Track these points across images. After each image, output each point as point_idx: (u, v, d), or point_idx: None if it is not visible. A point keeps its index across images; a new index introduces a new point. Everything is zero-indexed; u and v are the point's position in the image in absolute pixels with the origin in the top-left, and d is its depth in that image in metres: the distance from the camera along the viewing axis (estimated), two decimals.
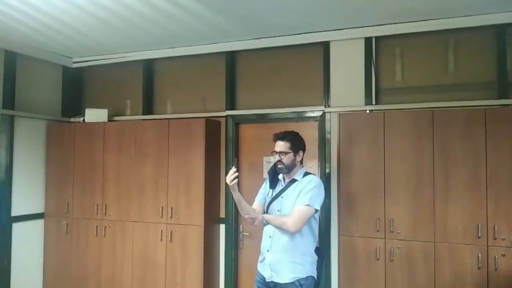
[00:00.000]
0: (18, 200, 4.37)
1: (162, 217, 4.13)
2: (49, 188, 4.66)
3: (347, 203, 3.51)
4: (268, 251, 2.77)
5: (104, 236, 4.36)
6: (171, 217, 4.10)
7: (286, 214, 2.71)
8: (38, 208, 4.62)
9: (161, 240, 4.13)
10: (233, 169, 2.70)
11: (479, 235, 3.13)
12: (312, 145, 4.02)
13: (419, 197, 3.31)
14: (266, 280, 2.76)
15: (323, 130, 3.95)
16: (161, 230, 4.13)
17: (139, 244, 4.22)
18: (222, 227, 4.30)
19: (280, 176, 2.88)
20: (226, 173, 4.21)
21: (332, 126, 3.90)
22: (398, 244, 3.34)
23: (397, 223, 3.35)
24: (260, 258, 2.86)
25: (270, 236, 2.77)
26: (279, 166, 2.79)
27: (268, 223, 2.80)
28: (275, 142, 2.83)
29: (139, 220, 4.23)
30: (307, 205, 2.64)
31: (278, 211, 2.78)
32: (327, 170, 3.91)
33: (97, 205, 4.40)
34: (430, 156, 3.29)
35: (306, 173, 2.84)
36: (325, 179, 3.90)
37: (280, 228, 2.70)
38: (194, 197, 4.03)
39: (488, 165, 3.15)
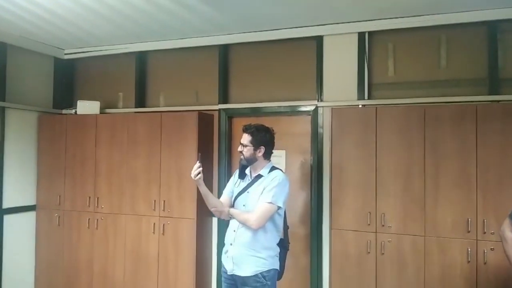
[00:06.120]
0: (9, 192, 4.35)
1: (154, 210, 4.13)
2: (40, 180, 4.63)
3: (339, 197, 3.53)
4: (231, 244, 2.80)
5: (96, 228, 4.35)
6: (163, 210, 4.10)
7: (250, 210, 2.73)
8: (30, 200, 4.60)
9: (154, 233, 4.13)
10: (197, 164, 2.71)
11: (469, 229, 3.17)
12: (304, 139, 4.05)
13: (410, 191, 3.34)
14: (228, 273, 2.80)
15: (316, 125, 3.97)
16: (154, 223, 4.12)
17: (132, 237, 4.21)
18: (215, 220, 4.31)
19: (247, 171, 2.90)
20: (219, 167, 4.30)
21: (325, 120, 3.91)
22: (389, 238, 3.38)
23: (388, 217, 3.39)
24: (223, 250, 2.89)
25: (234, 230, 2.81)
26: (240, 157, 2.85)
27: (233, 217, 2.84)
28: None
29: (131, 213, 4.22)
30: (270, 202, 2.66)
31: (244, 205, 2.81)
32: (319, 164, 3.93)
33: (89, 197, 4.39)
34: (421, 151, 3.32)
35: (273, 168, 2.84)
36: (317, 173, 3.92)
37: (243, 224, 2.74)
38: (186, 190, 4.02)
39: (478, 160, 3.18)
